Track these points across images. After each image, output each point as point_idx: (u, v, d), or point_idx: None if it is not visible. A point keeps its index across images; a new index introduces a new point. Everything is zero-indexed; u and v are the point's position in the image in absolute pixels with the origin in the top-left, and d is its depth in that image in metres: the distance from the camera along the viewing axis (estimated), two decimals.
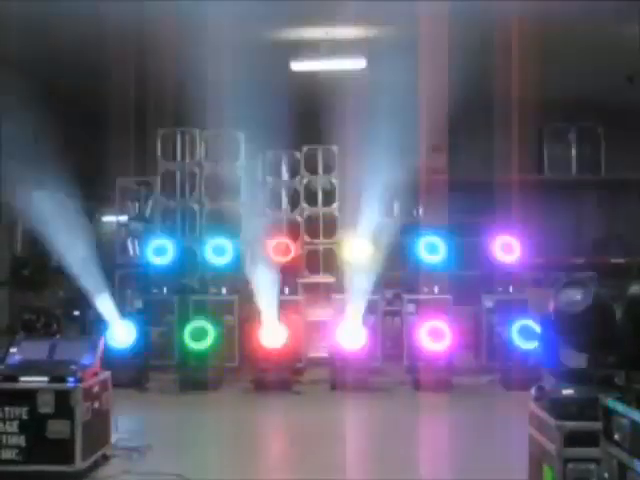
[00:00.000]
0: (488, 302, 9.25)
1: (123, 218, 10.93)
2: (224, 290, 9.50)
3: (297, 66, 9.59)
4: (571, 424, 3.70)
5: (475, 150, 11.39)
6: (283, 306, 8.84)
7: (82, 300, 10.08)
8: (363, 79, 9.70)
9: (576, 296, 3.85)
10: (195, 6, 7.95)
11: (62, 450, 4.97)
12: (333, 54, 9.30)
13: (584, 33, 8.67)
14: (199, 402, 8.04)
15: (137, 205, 10.96)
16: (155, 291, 9.73)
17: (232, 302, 9.46)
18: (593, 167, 11.74)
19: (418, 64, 9.05)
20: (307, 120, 10.47)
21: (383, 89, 10.41)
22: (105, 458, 5.57)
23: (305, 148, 10.91)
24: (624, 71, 9.47)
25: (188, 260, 10.12)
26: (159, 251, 9.69)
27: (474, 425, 7.06)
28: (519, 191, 10.68)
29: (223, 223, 10.10)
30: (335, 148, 10.95)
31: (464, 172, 11.46)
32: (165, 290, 9.71)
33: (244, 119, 9.58)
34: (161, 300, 9.66)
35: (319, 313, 9.77)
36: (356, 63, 9.25)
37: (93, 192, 11.13)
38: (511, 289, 9.25)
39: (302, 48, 9.32)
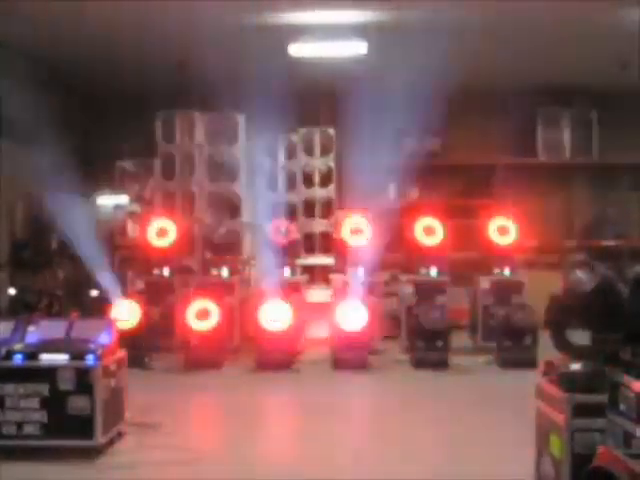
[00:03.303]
0: (484, 283, 9.46)
1: (123, 200, 11.02)
2: (225, 271, 9.62)
3: (295, 49, 9.65)
4: (579, 396, 3.92)
5: (471, 133, 11.54)
6: (284, 287, 9.00)
7: (83, 281, 10.21)
8: (362, 62, 9.79)
9: (584, 277, 4.04)
10: None
11: (83, 426, 5.13)
12: (332, 38, 9.37)
13: (580, 18, 8.81)
14: (204, 381, 8.21)
15: (137, 187, 11.04)
16: (156, 272, 9.83)
17: (233, 283, 9.59)
18: (585, 151, 11.96)
19: (417, 48, 9.14)
20: (304, 102, 10.54)
21: (382, 72, 10.52)
22: (120, 434, 5.73)
23: (302, 130, 11.02)
24: (618, 57, 9.63)
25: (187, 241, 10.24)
26: (159, 233, 9.79)
27: (473, 400, 7.28)
28: (514, 174, 10.88)
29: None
30: (332, 130, 11.07)
31: (460, 155, 11.64)
32: (166, 271, 9.82)
33: (243, 101, 9.66)
34: (162, 281, 9.77)
35: (318, 294, 9.93)
36: (356, 47, 9.30)
37: (93, 174, 11.19)
38: (507, 271, 9.45)
39: (300, 31, 9.37)
